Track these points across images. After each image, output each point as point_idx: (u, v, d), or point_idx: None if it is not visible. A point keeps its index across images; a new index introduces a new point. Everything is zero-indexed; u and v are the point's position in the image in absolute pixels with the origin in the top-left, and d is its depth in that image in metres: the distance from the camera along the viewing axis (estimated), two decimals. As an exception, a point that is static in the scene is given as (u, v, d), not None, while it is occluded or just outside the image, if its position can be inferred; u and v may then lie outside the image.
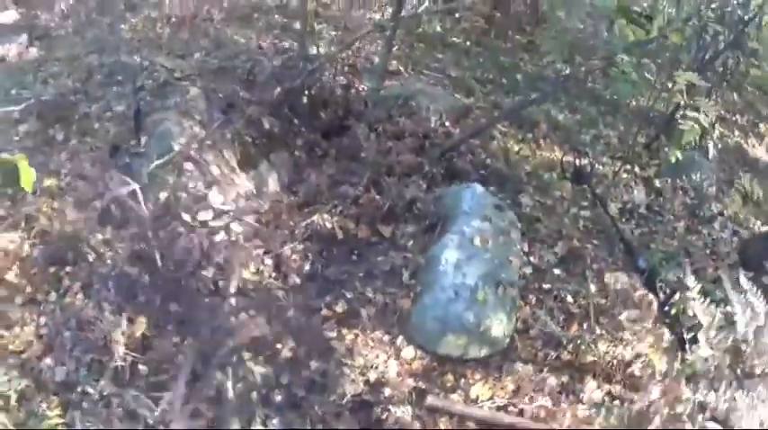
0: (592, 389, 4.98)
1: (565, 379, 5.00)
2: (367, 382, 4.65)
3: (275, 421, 4.34)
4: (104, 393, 4.41)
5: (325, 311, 4.85)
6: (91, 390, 4.41)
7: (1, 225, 5.17)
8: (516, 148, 6.41)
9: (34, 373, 4.41)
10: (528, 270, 5.45)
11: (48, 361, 4.51)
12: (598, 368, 5.07)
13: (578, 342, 5.18)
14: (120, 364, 4.54)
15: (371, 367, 4.66)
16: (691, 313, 4.32)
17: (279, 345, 4.63)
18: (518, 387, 4.94)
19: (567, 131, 6.87)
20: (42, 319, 4.70)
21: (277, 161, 5.75)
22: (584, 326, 5.33)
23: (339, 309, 4.86)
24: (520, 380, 4.96)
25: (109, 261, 4.97)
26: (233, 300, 4.79)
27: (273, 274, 5.20)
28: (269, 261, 5.25)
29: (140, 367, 4.64)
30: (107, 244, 5.10)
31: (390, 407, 4.62)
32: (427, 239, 5.27)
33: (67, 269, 5.04)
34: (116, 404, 4.41)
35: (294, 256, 5.22)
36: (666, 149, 6.78)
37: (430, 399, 4.67)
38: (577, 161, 6.45)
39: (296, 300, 4.96)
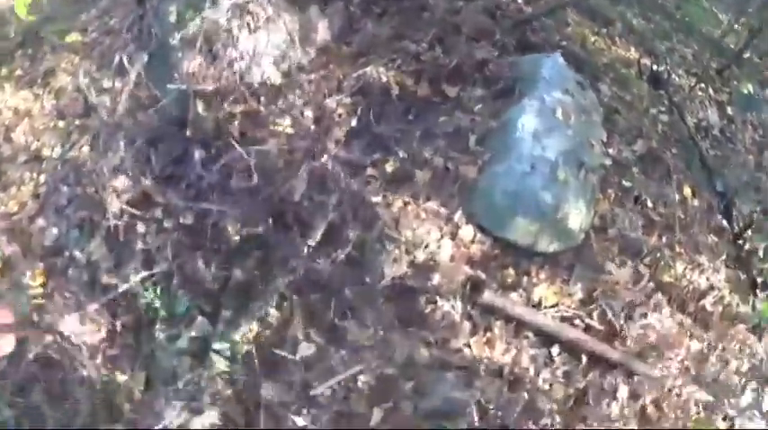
0: (665, 317, 2.93)
1: (638, 297, 2.93)
2: (412, 264, 2.50)
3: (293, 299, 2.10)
4: (92, 258, 2.69)
5: (370, 170, 2.67)
6: (78, 254, 2.72)
7: (17, 83, 3.36)
8: (592, 39, 4.01)
9: (24, 237, 2.82)
10: (607, 161, 3.22)
11: (40, 222, 2.85)
12: (674, 292, 3.03)
13: (657, 255, 3.10)
14: (113, 223, 2.71)
15: (420, 245, 2.48)
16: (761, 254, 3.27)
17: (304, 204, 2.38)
18: (587, 296, 2.87)
19: (641, 36, 4.57)
20: (42, 177, 3.00)
21: (329, 10, 3.29)
22: (664, 239, 3.19)
23: (389, 168, 2.65)
24: (590, 289, 2.88)
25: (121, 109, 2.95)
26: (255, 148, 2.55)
27: (313, 128, 2.99)
28: (308, 113, 3.03)
29: (138, 226, 2.73)
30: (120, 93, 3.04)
31: (438, 298, 2.45)
32: (500, 105, 3.03)
33: (77, 122, 3.14)
34: (104, 269, 2.65)
35: (340, 110, 3.06)
36: (736, 82, 4.62)
37: (487, 295, 2.44)
38: (654, 66, 4.27)
39: (335, 153, 2.57)
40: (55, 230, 2.74)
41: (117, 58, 2.93)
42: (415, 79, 3.08)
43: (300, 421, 2.24)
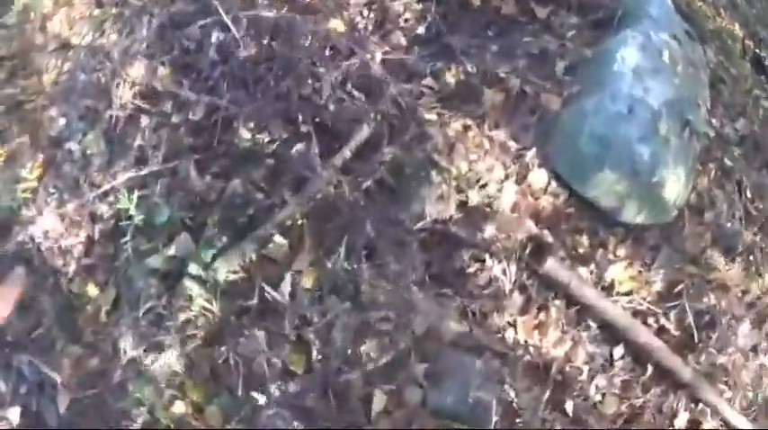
0: (742, 335, 1.91)
1: (724, 302, 1.92)
2: (463, 206, 1.43)
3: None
4: (87, 152, 1.84)
5: (429, 80, 1.57)
6: (75, 147, 1.87)
7: None
8: (698, 3, 2.88)
9: (33, 127, 1.94)
10: (711, 131, 2.09)
11: (52, 111, 1.96)
12: (758, 306, 1.98)
13: (750, 257, 2.07)
14: (116, 114, 1.83)
15: (476, 183, 1.38)
16: None
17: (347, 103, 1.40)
18: (669, 290, 1.89)
19: (745, 18, 3.33)
20: (66, 66, 2.07)
21: None
22: (758, 237, 2.14)
23: (451, 79, 1.52)
24: (674, 282, 1.89)
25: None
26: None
27: (371, 28, 1.95)
28: (369, 13, 1.96)
29: (141, 119, 1.83)
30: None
31: (487, 256, 1.31)
32: (597, 36, 2.03)
33: (113, 11, 2.17)
34: (95, 166, 1.77)
35: (407, 14, 1.98)
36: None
37: (551, 265, 1.39)
38: (757, 50, 3.08)
39: (387, 56, 1.58)
40: (63, 121, 1.93)
41: None
42: (500, -7, 2.07)
43: (276, 392, 1.35)
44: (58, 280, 1.72)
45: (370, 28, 1.91)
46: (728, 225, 2.15)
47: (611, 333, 1.81)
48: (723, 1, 3.47)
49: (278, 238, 1.53)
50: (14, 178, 1.91)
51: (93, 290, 1.68)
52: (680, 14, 2.60)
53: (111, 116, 1.78)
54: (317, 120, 1.69)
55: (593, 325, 1.81)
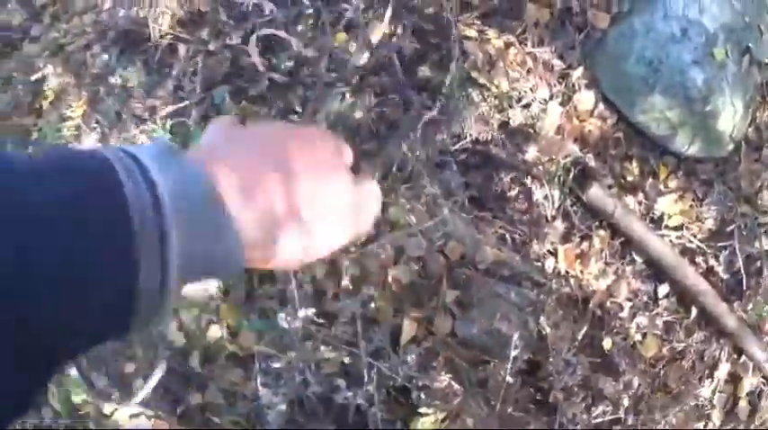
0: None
1: None
2: (504, 126, 1.35)
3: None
4: (128, 85, 1.86)
5: None
6: (117, 81, 1.88)
7: None
8: None
9: (77, 67, 1.96)
10: None
11: (94, 49, 1.98)
12: None
13: None
14: (155, 44, 1.83)
15: (519, 102, 1.31)
16: None
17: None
18: (720, 229, 1.84)
19: None
20: (107, 4, 2.02)
21: None
22: None
23: None
24: (726, 221, 1.84)
25: None
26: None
27: None
28: None
29: (180, 48, 1.83)
30: None
31: (528, 179, 1.30)
32: None
33: None
34: (136, 97, 1.79)
35: None
36: None
37: (596, 191, 1.35)
38: None
39: None
40: (104, 57, 1.93)
41: None
42: None
43: (306, 314, 1.37)
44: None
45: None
46: None
47: (656, 269, 1.77)
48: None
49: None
50: (60, 118, 1.96)
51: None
52: None
53: (149, 47, 1.79)
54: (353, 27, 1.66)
55: (638, 259, 1.77)
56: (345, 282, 1.46)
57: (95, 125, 1.91)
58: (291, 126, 0.52)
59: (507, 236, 1.59)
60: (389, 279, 1.46)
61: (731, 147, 1.92)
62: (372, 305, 1.50)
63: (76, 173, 0.26)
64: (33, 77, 2.12)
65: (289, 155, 0.33)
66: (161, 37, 1.86)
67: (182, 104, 1.73)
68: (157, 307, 0.27)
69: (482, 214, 1.57)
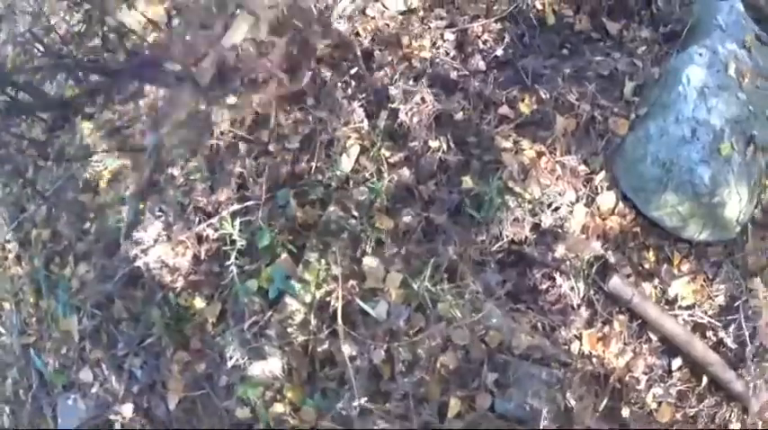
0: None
1: None
2: (536, 228, 1.72)
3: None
4: (191, 177, 2.15)
5: (505, 109, 1.80)
6: (177, 172, 2.20)
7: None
8: None
9: (133, 151, 2.26)
10: None
11: (151, 136, 2.18)
12: None
13: None
14: (216, 142, 2.16)
15: (549, 207, 1.67)
16: None
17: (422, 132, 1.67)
18: (729, 304, 2.12)
19: None
20: (161, 92, 2.29)
21: None
22: None
23: (525, 109, 1.82)
24: (734, 297, 2.12)
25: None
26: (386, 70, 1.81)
27: (453, 53, 2.26)
28: (450, 36, 2.26)
29: (240, 147, 2.15)
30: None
31: (557, 275, 1.64)
32: (667, 50, 2.21)
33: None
34: (199, 191, 2.10)
35: (486, 36, 2.19)
36: None
37: (616, 283, 1.70)
38: None
39: (470, 84, 1.85)
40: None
41: None
42: (575, 9, 2.28)
43: (364, 394, 1.69)
44: (166, 294, 2.09)
45: (451, 53, 2.17)
46: None
47: (670, 345, 2.08)
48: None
49: (369, 260, 1.85)
50: (119, 199, 2.27)
51: (199, 303, 2.04)
52: (752, 9, 2.75)
53: (211, 144, 2.11)
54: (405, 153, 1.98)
55: (653, 338, 2.08)
56: (399, 366, 1.78)
57: (159, 213, 2.21)
58: None
59: (539, 324, 1.91)
60: (438, 364, 1.78)
61: (738, 229, 2.22)
62: (422, 386, 1.82)
63: None
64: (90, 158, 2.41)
65: None
66: (222, 134, 2.17)
67: (247, 203, 2.04)
68: None
69: (517, 306, 1.89)
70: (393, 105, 1.97)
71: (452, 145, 1.92)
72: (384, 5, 2.29)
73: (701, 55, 2.20)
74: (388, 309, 1.79)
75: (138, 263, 2.09)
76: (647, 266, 2.08)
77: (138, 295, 2.15)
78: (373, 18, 2.25)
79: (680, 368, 2.10)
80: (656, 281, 2.09)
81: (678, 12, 2.41)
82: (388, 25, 2.24)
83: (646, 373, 2.06)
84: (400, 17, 2.28)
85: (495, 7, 2.33)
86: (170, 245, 2.08)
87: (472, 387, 1.82)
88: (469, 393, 1.83)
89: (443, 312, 1.79)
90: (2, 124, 2.16)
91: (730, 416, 2.08)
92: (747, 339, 2.12)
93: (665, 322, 2.04)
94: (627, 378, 2.03)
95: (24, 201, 2.52)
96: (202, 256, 2.06)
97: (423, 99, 1.95)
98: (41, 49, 2.09)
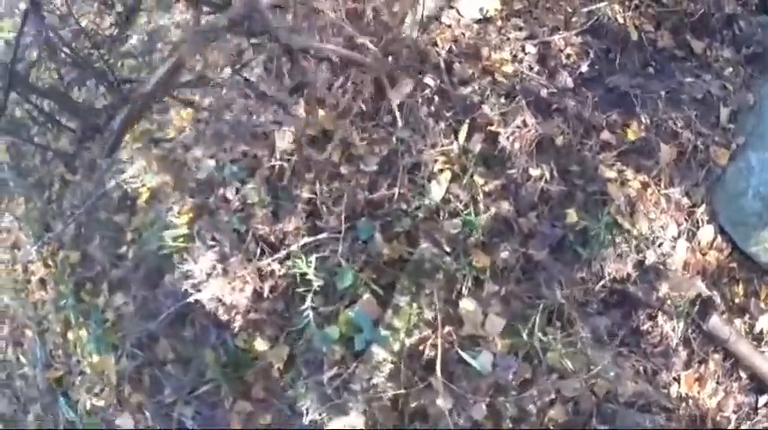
0: None
1: None
2: (639, 266, 1.62)
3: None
4: (248, 201, 1.92)
5: (606, 134, 1.71)
6: (232, 196, 1.95)
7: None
8: None
9: (176, 168, 2.09)
10: None
11: (196, 152, 2.09)
12: None
13: None
14: (277, 164, 1.94)
15: (653, 242, 1.58)
16: None
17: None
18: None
19: None
20: (206, 101, 2.19)
21: None
22: None
23: (632, 136, 1.71)
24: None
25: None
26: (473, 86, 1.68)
27: (536, 68, 2.11)
28: (532, 49, 2.10)
29: (306, 175, 1.94)
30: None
31: (660, 314, 1.58)
32: (752, 72, 2.19)
33: (252, 40, 2.18)
34: (259, 218, 1.89)
35: (568, 50, 2.07)
36: None
37: (715, 322, 1.69)
38: None
39: (565, 104, 1.76)
40: (211, 163, 2.01)
41: None
42: (656, 25, 2.21)
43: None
44: (221, 334, 1.93)
45: (534, 68, 2.06)
46: None
47: (759, 382, 2.09)
48: None
49: (467, 303, 1.75)
50: (160, 221, 2.06)
51: (261, 345, 1.88)
52: None
53: (273, 165, 1.92)
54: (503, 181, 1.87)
55: (743, 375, 2.08)
56: (506, 423, 1.70)
57: (213, 242, 2.01)
58: None
59: (641, 368, 1.86)
60: (546, 419, 1.71)
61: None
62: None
63: None
64: (124, 173, 2.20)
65: None
66: (285, 152, 2.00)
67: (320, 236, 1.88)
68: None
69: (620, 349, 1.84)
70: (492, 128, 1.85)
71: (555, 173, 1.82)
72: (459, 12, 2.16)
73: (797, 82, 2.18)
74: (492, 361, 1.70)
75: (190, 299, 1.92)
76: (737, 301, 2.07)
77: (188, 335, 1.98)
78: (449, 26, 2.11)
79: (766, 404, 2.11)
80: (746, 316, 2.08)
81: (759, 33, 2.38)
82: (464, 35, 2.11)
83: (735, 412, 2.06)
84: (476, 26, 2.15)
85: (574, 19, 2.23)
86: (226, 279, 1.91)
87: (583, 439, 1.77)
88: (580, 446, 1.77)
89: (553, 362, 1.72)
90: (24, 134, 1.94)
91: (810, 449, 2.12)
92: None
93: (755, 359, 2.03)
94: (718, 417, 2.03)
95: (50, 218, 2.27)
96: (266, 293, 1.90)
97: (524, 122, 1.84)
98: (69, 53, 1.86)
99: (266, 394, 1.87)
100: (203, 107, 2.07)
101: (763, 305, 2.13)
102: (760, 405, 2.11)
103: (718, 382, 2.03)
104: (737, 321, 2.07)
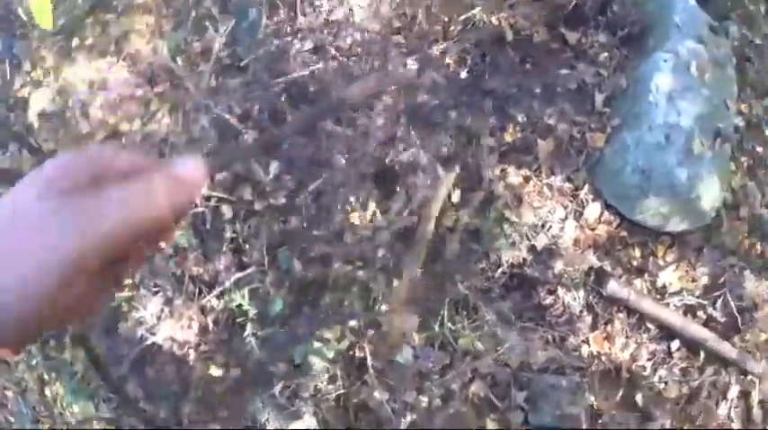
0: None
1: (764, 284, 2.49)
2: (532, 250, 2.03)
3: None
4: (180, 246, 2.29)
5: (486, 140, 2.09)
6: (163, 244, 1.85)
7: (89, 54, 2.81)
8: None
9: None
10: (740, 122, 2.65)
11: None
12: None
13: None
14: (200, 209, 2.30)
15: (542, 227, 1.99)
16: None
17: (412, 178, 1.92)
18: (713, 283, 2.48)
19: None
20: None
21: None
22: None
23: (508, 137, 2.05)
24: (717, 275, 2.48)
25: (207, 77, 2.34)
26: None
27: (417, 80, 2.38)
28: (412, 64, 2.35)
29: (224, 209, 2.30)
30: (204, 55, 2.45)
31: (559, 289, 1.95)
32: (626, 54, 2.37)
33: (156, 89, 2.63)
34: (192, 260, 2.30)
35: (447, 60, 2.36)
36: None
37: (613, 286, 2.07)
38: None
39: (444, 117, 2.12)
40: None
41: (193, 14, 2.34)
42: (531, 22, 2.51)
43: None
44: (179, 368, 2.25)
45: (417, 80, 2.36)
46: (763, 213, 2.73)
47: (667, 330, 2.41)
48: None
49: (382, 308, 2.08)
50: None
51: (216, 372, 2.20)
52: None
53: (195, 212, 2.24)
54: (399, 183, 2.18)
55: (651, 327, 2.40)
56: (437, 401, 2.03)
57: (156, 288, 2.33)
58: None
59: (549, 337, 2.19)
60: (470, 394, 2.04)
61: (713, 214, 2.56)
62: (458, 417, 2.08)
63: None
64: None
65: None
66: (206, 199, 2.31)
67: (249, 271, 2.21)
68: None
69: (526, 324, 2.16)
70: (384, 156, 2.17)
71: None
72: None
73: (665, 61, 2.47)
74: (413, 353, 2.02)
75: (147, 342, 2.23)
76: (635, 263, 2.38)
77: (151, 373, 2.30)
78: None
79: (678, 349, 2.43)
80: (646, 275, 2.40)
81: (633, 13, 2.68)
82: (348, 57, 2.40)
83: (650, 359, 2.38)
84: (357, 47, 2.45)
85: (451, 28, 2.54)
86: (174, 320, 2.23)
87: (504, 408, 2.09)
88: (503, 415, 2.10)
89: (466, 346, 2.04)
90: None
91: (729, 380, 2.44)
92: (734, 310, 2.48)
93: (659, 312, 2.35)
94: (634, 367, 2.35)
95: None
96: (210, 327, 2.22)
97: (409, 143, 2.15)
98: None
99: (230, 413, 2.19)
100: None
101: (661, 262, 2.46)
102: (673, 349, 2.44)
103: (627, 337, 2.36)
104: (638, 281, 2.39)
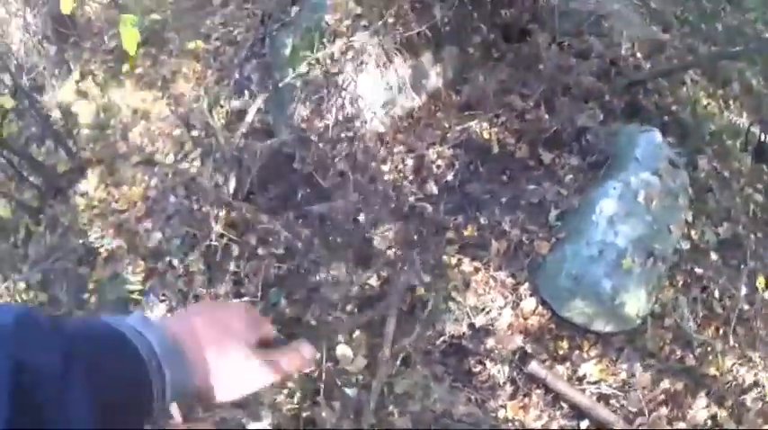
0: (699, 408, 3.06)
1: (679, 386, 3.07)
2: (471, 327, 2.67)
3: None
4: (190, 269, 2.94)
5: (451, 233, 2.73)
6: (177, 263, 2.98)
7: (138, 83, 3.52)
8: (705, 102, 3.94)
9: (129, 235, 3.08)
10: (686, 245, 3.24)
11: (146, 224, 3.11)
12: (715, 385, 3.13)
13: (708, 348, 3.19)
14: (214, 243, 2.96)
15: (482, 310, 2.66)
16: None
17: (389, 252, 2.60)
18: (630, 379, 3.03)
19: (758, 100, 4.27)
20: (153, 181, 3.20)
21: (446, 55, 3.37)
22: (721, 331, 3.26)
23: (468, 233, 2.74)
24: (634, 373, 3.04)
25: (238, 135, 3.07)
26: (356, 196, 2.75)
27: (411, 177, 3.18)
28: (410, 161, 3.19)
29: (233, 248, 2.98)
30: (238, 115, 3.22)
31: (487, 362, 2.61)
32: (589, 178, 2.98)
33: (193, 133, 3.34)
34: (198, 282, 2.91)
35: (439, 162, 3.14)
36: None
37: (533, 366, 2.69)
38: (762, 135, 3.94)
39: (425, 211, 2.81)
40: (158, 235, 3.01)
41: (237, 75, 3.13)
42: (517, 139, 3.18)
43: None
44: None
45: (410, 177, 3.08)
46: (689, 327, 3.29)
47: (579, 411, 3.00)
48: (735, 89, 4.43)
49: (343, 348, 2.77)
50: (117, 277, 3.10)
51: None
52: (678, 128, 3.66)
53: (209, 244, 2.99)
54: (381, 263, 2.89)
55: (564, 405, 3.00)
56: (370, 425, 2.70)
57: (163, 298, 3.07)
58: (226, 305, 1.01)
59: (472, 397, 2.82)
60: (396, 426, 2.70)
61: (639, 321, 3.14)
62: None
63: (119, 344, 0.63)
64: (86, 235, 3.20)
65: (216, 325, 0.71)
66: (217, 235, 3.06)
67: (243, 299, 2.94)
68: (161, 405, 0.63)
69: (456, 384, 2.81)
70: (367, 234, 2.89)
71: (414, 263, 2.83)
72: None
73: (614, 189, 3.09)
74: (357, 390, 2.71)
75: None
76: (560, 352, 2.99)
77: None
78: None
79: (587, 428, 3.02)
80: (568, 363, 3.00)
81: (603, 143, 3.32)
82: (361, 151, 3.13)
83: (559, 434, 2.99)
84: (369, 143, 3.17)
85: (449, 135, 3.24)
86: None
87: (421, 442, 2.74)
88: (417, 451, 2.75)
89: (402, 390, 2.72)
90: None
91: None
92: (644, 403, 3.05)
93: (572, 393, 2.95)
94: (543, 438, 2.96)
95: (17, 261, 3.24)
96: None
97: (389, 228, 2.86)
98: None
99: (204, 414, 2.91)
100: (150, 186, 3.15)
101: (585, 355, 3.06)
102: (582, 428, 3.04)
103: (541, 411, 2.96)
104: (561, 367, 3.00)
